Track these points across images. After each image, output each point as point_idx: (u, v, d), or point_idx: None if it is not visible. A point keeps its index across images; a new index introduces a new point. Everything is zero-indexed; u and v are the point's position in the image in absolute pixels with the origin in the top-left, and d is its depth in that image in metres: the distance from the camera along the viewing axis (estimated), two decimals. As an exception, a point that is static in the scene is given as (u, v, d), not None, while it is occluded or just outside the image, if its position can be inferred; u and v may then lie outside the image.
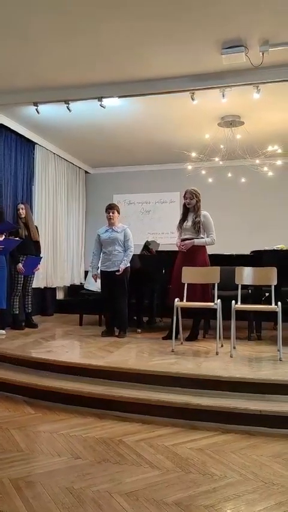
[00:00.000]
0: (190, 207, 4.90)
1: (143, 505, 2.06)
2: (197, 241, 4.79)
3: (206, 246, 4.90)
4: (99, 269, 5.29)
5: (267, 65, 4.41)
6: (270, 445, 2.77)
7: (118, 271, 5.09)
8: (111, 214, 5.26)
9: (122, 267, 5.11)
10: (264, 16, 3.78)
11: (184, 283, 4.53)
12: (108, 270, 5.16)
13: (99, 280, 5.33)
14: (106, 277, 5.18)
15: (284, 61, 4.47)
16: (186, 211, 4.95)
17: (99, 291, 5.79)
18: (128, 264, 5.21)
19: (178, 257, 4.88)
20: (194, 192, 4.89)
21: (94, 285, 5.89)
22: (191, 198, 4.88)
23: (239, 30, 4.01)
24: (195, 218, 4.83)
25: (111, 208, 5.30)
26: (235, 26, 3.94)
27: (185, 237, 4.85)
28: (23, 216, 5.82)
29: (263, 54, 4.25)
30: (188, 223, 4.87)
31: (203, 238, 4.82)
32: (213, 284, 4.47)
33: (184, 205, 4.96)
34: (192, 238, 4.80)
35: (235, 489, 2.21)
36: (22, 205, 5.89)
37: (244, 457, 2.60)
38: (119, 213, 5.33)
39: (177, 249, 4.91)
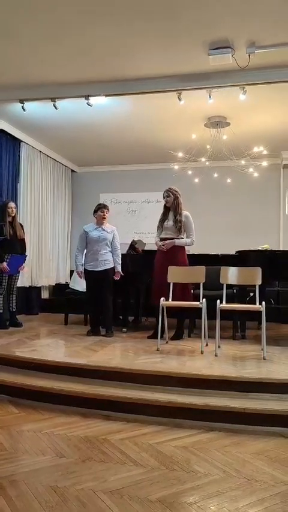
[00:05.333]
0: (169, 206, 4.90)
1: (127, 502, 2.06)
2: (177, 242, 4.80)
3: (187, 246, 4.92)
4: (83, 266, 5.25)
5: (253, 66, 4.47)
6: (254, 443, 2.80)
7: (108, 270, 5.08)
8: (104, 214, 5.21)
9: (119, 269, 5.13)
10: (251, 18, 3.82)
11: (165, 282, 4.54)
12: (94, 269, 5.12)
13: (82, 278, 5.29)
14: (92, 276, 5.14)
15: (270, 63, 4.52)
16: (166, 210, 4.96)
17: (85, 291, 5.77)
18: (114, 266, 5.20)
19: (157, 256, 4.89)
20: (170, 190, 4.91)
21: (80, 285, 5.86)
22: (168, 195, 4.89)
23: (226, 32, 4.04)
24: (177, 217, 4.84)
25: (105, 207, 5.26)
26: (222, 28, 3.97)
27: (166, 236, 4.86)
28: (13, 214, 5.75)
29: (249, 56, 4.29)
30: (169, 222, 4.87)
31: (183, 238, 4.84)
32: (198, 284, 4.50)
33: (165, 204, 4.98)
34: (173, 238, 4.81)
35: (218, 486, 2.23)
36: (14, 204, 5.83)
37: (227, 454, 2.62)
38: (108, 212, 5.33)
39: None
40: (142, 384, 3.45)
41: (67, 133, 6.74)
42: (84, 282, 5.32)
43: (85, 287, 5.38)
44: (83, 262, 5.24)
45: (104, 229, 5.20)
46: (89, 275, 5.17)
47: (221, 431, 2.97)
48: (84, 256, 5.24)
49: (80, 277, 5.29)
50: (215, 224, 7.71)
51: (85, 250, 5.23)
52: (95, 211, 5.28)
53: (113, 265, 5.16)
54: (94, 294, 5.16)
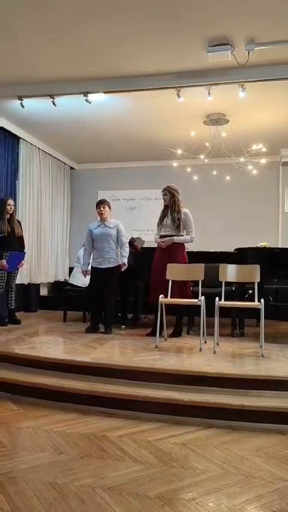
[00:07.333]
0: (167, 204, 4.91)
1: (126, 499, 2.07)
2: (176, 239, 4.80)
3: (186, 244, 4.92)
4: (89, 265, 5.24)
5: (252, 63, 4.45)
6: (252, 440, 2.81)
7: (113, 268, 5.06)
8: (101, 209, 5.19)
9: (125, 261, 5.10)
10: (250, 16, 3.81)
11: (164, 280, 4.54)
12: (99, 266, 5.12)
13: (87, 276, 5.29)
14: (97, 273, 5.13)
15: (269, 60, 4.51)
16: (166, 208, 4.97)
17: (85, 286, 5.77)
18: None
19: (157, 254, 4.90)
20: (167, 189, 4.91)
21: (80, 280, 5.86)
22: (165, 194, 4.92)
23: (225, 29, 4.03)
24: (176, 215, 4.83)
25: (101, 203, 5.24)
26: (221, 25, 3.96)
27: (165, 233, 4.86)
28: (11, 212, 5.74)
29: (248, 53, 4.28)
30: (168, 220, 4.88)
31: (182, 235, 4.84)
32: (197, 281, 4.50)
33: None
34: (172, 235, 4.81)
35: (217, 482, 2.24)
36: (12, 201, 5.82)
37: (226, 451, 2.63)
38: (109, 208, 5.28)
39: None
40: (141, 381, 3.45)
41: (66, 130, 6.72)
42: (84, 277, 5.31)
43: (86, 283, 5.37)
44: (89, 261, 5.23)
45: (107, 225, 5.19)
46: (93, 271, 5.16)
47: (220, 428, 2.98)
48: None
49: (85, 276, 5.28)
50: (213, 221, 7.71)
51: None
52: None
53: (117, 263, 5.14)
54: (97, 291, 5.15)
